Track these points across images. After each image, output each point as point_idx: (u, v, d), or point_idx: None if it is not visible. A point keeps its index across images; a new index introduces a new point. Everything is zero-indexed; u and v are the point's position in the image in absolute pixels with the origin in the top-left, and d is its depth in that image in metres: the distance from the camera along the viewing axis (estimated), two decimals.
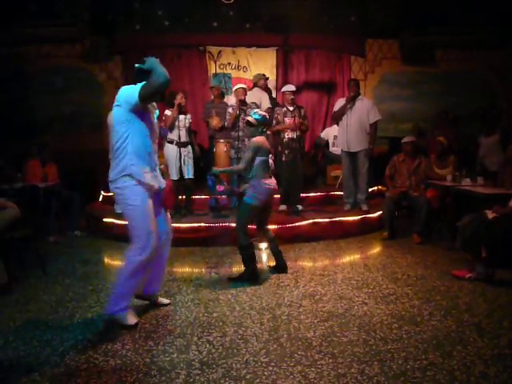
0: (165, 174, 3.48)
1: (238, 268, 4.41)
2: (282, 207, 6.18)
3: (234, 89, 6.49)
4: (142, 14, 7.69)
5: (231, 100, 6.82)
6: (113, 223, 5.78)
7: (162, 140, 5.68)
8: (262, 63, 8.07)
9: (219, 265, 4.71)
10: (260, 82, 7.04)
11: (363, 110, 6.12)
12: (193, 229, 5.46)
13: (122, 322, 3.17)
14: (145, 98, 2.99)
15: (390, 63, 8.37)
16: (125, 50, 7.93)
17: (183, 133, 5.85)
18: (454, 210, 5.29)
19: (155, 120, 3.31)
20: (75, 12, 7.50)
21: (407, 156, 5.83)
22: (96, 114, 7.72)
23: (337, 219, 5.84)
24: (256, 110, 4.30)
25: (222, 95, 7.33)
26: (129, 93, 3.03)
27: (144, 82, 2.97)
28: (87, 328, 3.17)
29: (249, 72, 8.06)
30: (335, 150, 7.32)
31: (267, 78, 7.39)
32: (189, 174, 5.91)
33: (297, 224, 5.65)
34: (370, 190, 6.76)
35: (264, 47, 8.09)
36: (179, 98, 5.70)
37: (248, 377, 2.51)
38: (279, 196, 6.14)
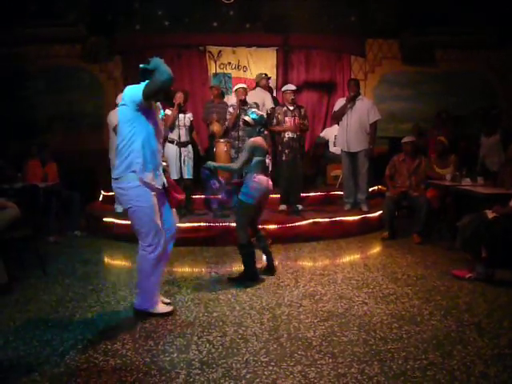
0: (166, 172, 3.53)
1: (239, 268, 4.40)
2: (282, 207, 6.18)
3: (234, 89, 6.50)
4: (141, 14, 7.70)
5: (231, 100, 6.82)
6: (113, 223, 5.78)
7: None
8: (262, 63, 8.07)
9: (219, 265, 4.71)
10: (262, 82, 7.04)
11: (363, 110, 6.12)
12: (193, 228, 5.46)
13: (156, 313, 3.31)
14: (149, 95, 3.04)
15: (390, 63, 8.37)
16: (125, 50, 7.94)
17: (183, 132, 5.85)
18: (454, 210, 5.29)
19: (160, 120, 3.36)
20: (75, 12, 7.49)
21: (407, 156, 5.83)
22: (96, 113, 7.73)
23: (337, 219, 5.84)
24: (253, 110, 4.27)
25: (221, 95, 7.34)
26: (134, 92, 3.10)
27: (148, 81, 3.04)
28: (87, 328, 3.17)
29: (249, 72, 8.07)
30: (335, 149, 7.32)
31: (269, 78, 7.40)
32: (188, 174, 5.92)
33: (297, 224, 5.65)
34: (370, 189, 6.76)
35: (264, 47, 8.09)
36: (178, 98, 5.70)
37: (248, 376, 2.51)
38: (279, 196, 6.15)
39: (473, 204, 4.69)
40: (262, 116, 4.19)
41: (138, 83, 3.13)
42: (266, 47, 8.10)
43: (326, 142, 7.85)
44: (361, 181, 6.22)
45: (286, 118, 5.99)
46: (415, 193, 5.64)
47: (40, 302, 3.66)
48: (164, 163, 3.49)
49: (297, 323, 3.20)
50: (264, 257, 4.40)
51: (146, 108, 3.11)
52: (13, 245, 4.43)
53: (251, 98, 6.54)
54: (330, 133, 7.72)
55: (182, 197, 3.60)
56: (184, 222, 5.52)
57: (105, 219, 5.92)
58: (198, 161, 6.07)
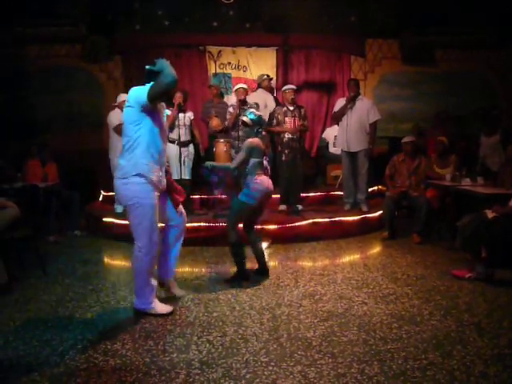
0: (167, 173, 3.58)
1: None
2: (282, 207, 6.18)
3: (234, 89, 6.49)
4: (141, 14, 7.70)
5: (231, 100, 6.82)
6: (113, 223, 5.79)
7: None
8: (261, 63, 8.07)
9: (219, 265, 4.72)
10: (264, 83, 7.05)
11: (363, 110, 6.12)
12: (193, 228, 5.45)
13: (155, 313, 3.32)
14: (153, 97, 3.09)
15: (389, 63, 8.37)
16: (125, 50, 7.94)
17: (183, 131, 5.85)
18: (453, 210, 5.30)
19: (164, 119, 3.41)
20: (75, 12, 7.49)
21: (407, 156, 5.83)
22: (96, 113, 7.73)
23: (337, 219, 5.84)
24: (251, 111, 4.25)
25: (221, 95, 7.34)
26: (139, 93, 3.14)
27: (153, 83, 3.09)
28: (87, 328, 3.17)
29: (249, 72, 8.07)
30: (335, 150, 7.32)
31: (271, 79, 7.40)
32: (186, 174, 5.92)
33: (297, 224, 5.65)
34: (370, 189, 6.77)
35: (264, 47, 8.08)
36: (178, 98, 5.70)
37: (248, 376, 2.51)
38: (279, 196, 6.15)
39: (473, 204, 4.69)
40: (259, 116, 4.18)
41: (143, 84, 3.18)
42: (266, 47, 8.09)
43: (326, 143, 7.85)
44: (361, 181, 6.22)
45: (286, 119, 5.99)
46: (415, 193, 5.64)
47: (40, 302, 3.66)
48: (166, 163, 3.52)
49: (297, 323, 3.20)
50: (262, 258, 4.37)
51: (151, 109, 3.15)
52: (13, 245, 4.43)
53: (253, 99, 6.54)
54: (330, 133, 7.73)
55: (182, 199, 3.63)
56: None
57: (104, 219, 5.92)
58: (198, 161, 6.08)
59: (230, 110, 6.13)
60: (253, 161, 4.00)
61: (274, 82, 7.68)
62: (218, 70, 8.08)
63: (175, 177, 5.76)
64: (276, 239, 5.40)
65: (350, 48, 8.31)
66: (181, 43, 7.94)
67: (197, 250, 5.21)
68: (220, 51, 8.07)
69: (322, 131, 8.10)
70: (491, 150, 6.46)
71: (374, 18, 7.83)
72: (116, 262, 5.12)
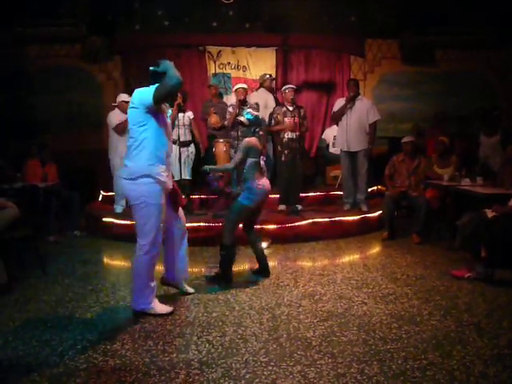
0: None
1: (238, 267, 4.43)
2: (282, 207, 6.18)
3: (234, 89, 6.49)
4: (142, 14, 7.70)
5: (231, 100, 6.82)
6: (112, 223, 5.79)
7: None
8: (261, 63, 8.06)
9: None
10: (266, 83, 7.05)
11: (363, 110, 6.12)
12: (192, 228, 5.45)
13: (154, 313, 3.33)
14: (159, 99, 3.11)
15: (389, 63, 8.37)
16: (125, 50, 7.94)
17: (183, 131, 5.85)
18: (453, 210, 5.30)
19: (168, 120, 3.42)
20: (75, 12, 7.50)
21: (407, 156, 5.83)
22: (96, 113, 7.72)
23: (336, 219, 5.84)
24: (249, 110, 4.26)
25: (219, 95, 7.34)
26: (143, 95, 3.15)
27: (157, 84, 3.11)
28: (86, 328, 3.17)
29: (248, 72, 8.07)
30: (334, 150, 7.32)
31: (273, 79, 7.39)
32: (186, 175, 5.92)
33: (296, 224, 5.65)
34: (370, 189, 6.77)
35: (264, 47, 8.08)
36: (177, 98, 5.70)
37: (247, 376, 2.51)
38: (279, 196, 6.15)
39: (472, 204, 4.69)
40: (256, 116, 4.18)
41: (143, 84, 3.20)
42: (266, 47, 8.09)
43: (326, 143, 7.85)
44: (360, 181, 6.22)
45: (286, 119, 5.99)
46: (414, 193, 5.64)
47: (40, 302, 3.66)
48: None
49: (296, 323, 3.20)
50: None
51: (155, 111, 3.17)
52: (13, 245, 4.43)
53: (254, 98, 6.54)
54: (330, 133, 7.73)
55: (183, 203, 3.67)
56: None
57: (104, 219, 5.92)
58: (198, 161, 6.09)
59: (230, 109, 6.13)
60: (250, 161, 3.99)
61: (273, 82, 7.67)
62: (218, 70, 8.08)
63: (175, 177, 5.77)
64: (276, 239, 5.40)
65: (349, 48, 8.31)
66: (181, 43, 7.94)
67: (196, 250, 5.20)
68: (220, 51, 8.06)
69: (322, 131, 8.10)
70: (491, 150, 6.46)
71: (373, 18, 7.83)
72: (116, 262, 5.12)
